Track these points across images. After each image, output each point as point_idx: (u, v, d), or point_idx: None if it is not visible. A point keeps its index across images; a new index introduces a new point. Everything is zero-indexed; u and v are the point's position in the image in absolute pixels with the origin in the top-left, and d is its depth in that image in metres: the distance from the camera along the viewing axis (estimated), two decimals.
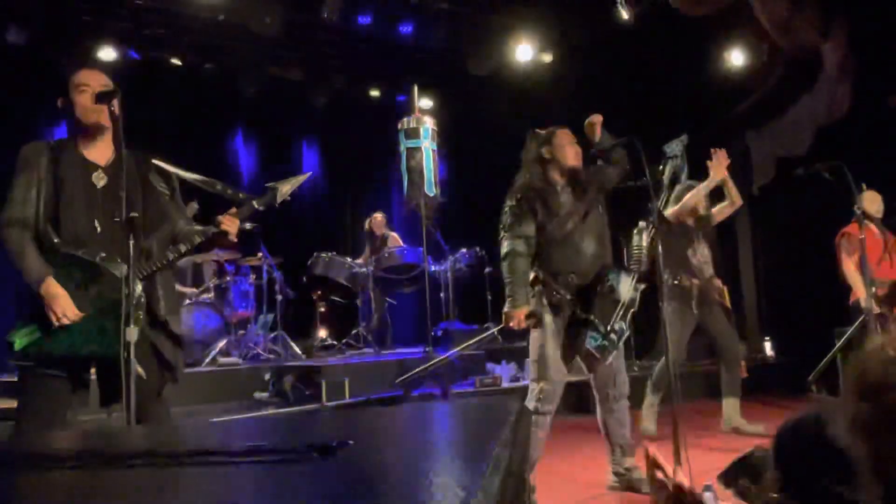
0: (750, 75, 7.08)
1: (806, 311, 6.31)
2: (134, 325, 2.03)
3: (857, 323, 4.87)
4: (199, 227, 2.40)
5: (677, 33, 6.71)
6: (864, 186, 4.44)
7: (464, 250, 7.16)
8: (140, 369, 2.08)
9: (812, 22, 5.89)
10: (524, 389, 3.26)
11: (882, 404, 0.71)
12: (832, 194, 4.21)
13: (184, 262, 6.42)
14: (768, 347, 7.24)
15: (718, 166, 4.15)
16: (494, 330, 3.43)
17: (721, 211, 4.51)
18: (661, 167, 3.79)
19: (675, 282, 4.25)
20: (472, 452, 0.81)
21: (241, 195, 2.42)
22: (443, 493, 0.64)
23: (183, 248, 2.33)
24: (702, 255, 4.41)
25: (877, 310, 4.21)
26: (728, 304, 4.48)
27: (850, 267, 4.72)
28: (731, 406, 4.45)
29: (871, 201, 4.74)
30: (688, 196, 4.33)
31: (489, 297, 7.09)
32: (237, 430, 1.56)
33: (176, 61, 7.62)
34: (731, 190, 4.39)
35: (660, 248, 3.05)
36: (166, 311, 2.35)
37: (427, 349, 5.79)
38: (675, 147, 3.59)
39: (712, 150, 4.17)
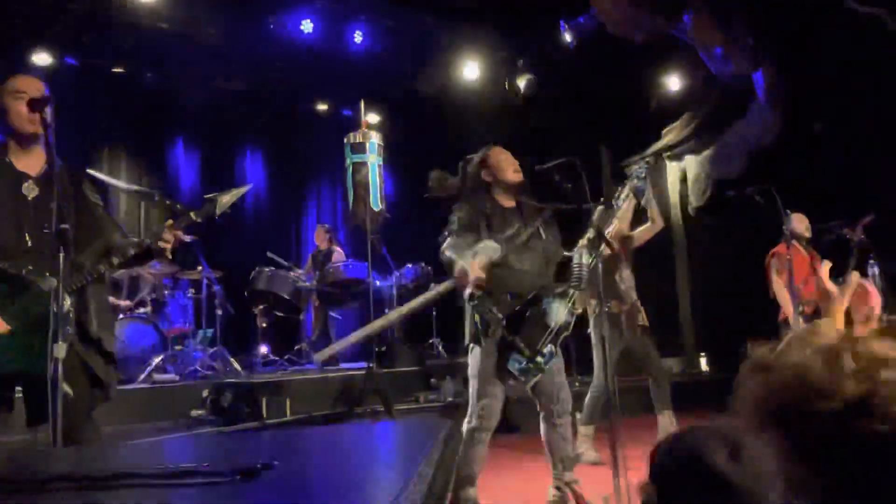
0: (687, 100, 7.36)
1: (739, 328, 6.53)
2: (62, 342, 1.94)
3: (783, 339, 5.06)
4: (133, 239, 2.33)
5: (619, 59, 6.93)
6: (789, 211, 4.64)
7: (409, 266, 7.15)
8: (68, 388, 2.00)
9: (745, 52, 6.16)
10: (466, 405, 3.27)
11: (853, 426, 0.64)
12: (763, 215, 4.39)
13: (120, 275, 6.21)
14: (703, 363, 7.47)
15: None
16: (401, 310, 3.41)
17: (642, 233, 4.46)
18: (619, 189, 3.80)
19: (606, 308, 4.29)
20: (396, 472, 0.82)
21: (179, 206, 2.37)
22: None
23: (115, 261, 2.26)
24: (627, 279, 4.48)
25: (804, 327, 4.39)
26: (646, 323, 4.55)
27: (779, 286, 4.92)
28: (667, 419, 4.56)
29: (799, 223, 4.97)
30: (620, 213, 4.26)
31: (434, 313, 7.09)
32: (164, 452, 1.51)
33: (116, 69, 7.42)
34: (654, 212, 4.37)
35: (600, 268, 3.11)
36: (98, 327, 2.27)
37: (371, 365, 5.74)
38: (636, 170, 3.63)
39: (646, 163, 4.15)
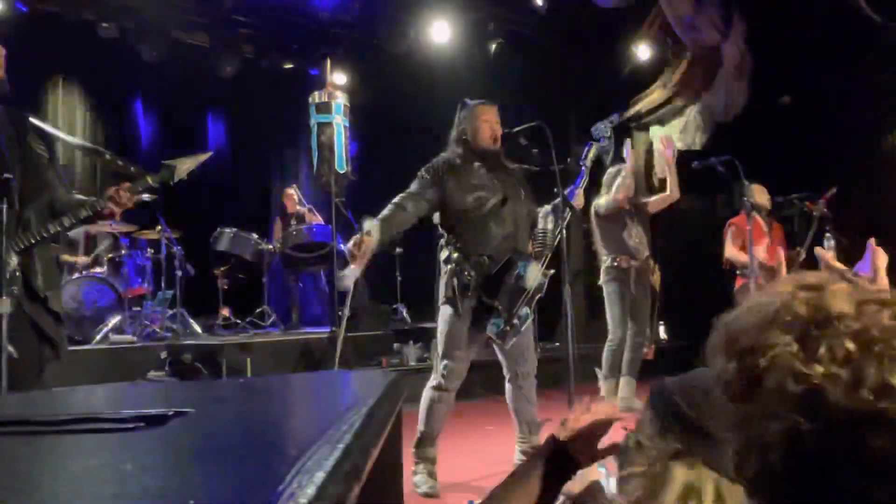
0: (655, 69, 7.35)
1: (698, 298, 6.65)
2: (6, 297, 1.87)
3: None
4: (82, 198, 2.23)
5: (590, 24, 6.87)
6: (749, 182, 4.69)
7: None
8: (12, 349, 1.93)
9: (714, 22, 6.16)
10: (430, 370, 3.27)
11: (747, 367, 0.66)
12: (725, 186, 4.44)
13: (75, 233, 6.04)
14: (662, 331, 7.59)
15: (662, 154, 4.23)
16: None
17: (657, 201, 4.59)
18: (586, 150, 3.77)
19: (615, 263, 4.41)
20: (321, 421, 0.79)
21: (133, 168, 2.29)
22: (272, 465, 0.62)
23: (67, 222, 2.17)
24: (637, 236, 4.56)
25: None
26: (658, 285, 4.65)
27: (733, 250, 5.01)
28: (627, 385, 4.65)
29: (760, 194, 5.04)
30: (616, 185, 4.44)
31: (399, 278, 7.06)
32: (75, 401, 1.43)
33: (69, 18, 7.08)
34: (672, 182, 4.47)
35: (564, 233, 3.11)
36: (45, 286, 2.19)
37: (335, 329, 5.71)
38: (602, 129, 3.56)
39: (661, 138, 4.31)
